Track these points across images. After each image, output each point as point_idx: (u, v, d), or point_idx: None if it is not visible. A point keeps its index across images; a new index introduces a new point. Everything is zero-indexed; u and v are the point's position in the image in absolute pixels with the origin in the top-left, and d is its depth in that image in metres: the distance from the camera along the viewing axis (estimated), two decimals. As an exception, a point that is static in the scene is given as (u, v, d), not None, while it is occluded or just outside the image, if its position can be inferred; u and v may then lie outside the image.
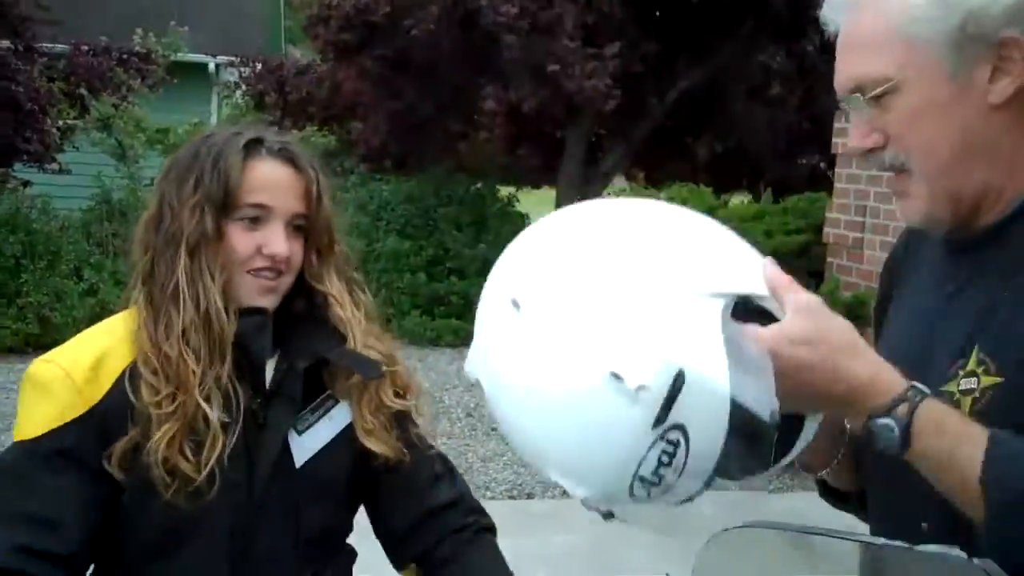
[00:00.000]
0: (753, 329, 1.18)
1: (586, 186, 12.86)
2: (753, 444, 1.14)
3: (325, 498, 1.77)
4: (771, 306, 1.23)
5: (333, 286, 1.79)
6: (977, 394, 1.32)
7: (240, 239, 1.68)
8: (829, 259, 6.92)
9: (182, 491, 1.60)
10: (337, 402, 1.78)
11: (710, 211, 6.96)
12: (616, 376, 1.09)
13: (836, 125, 6.88)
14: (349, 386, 1.77)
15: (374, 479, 1.82)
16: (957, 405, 1.32)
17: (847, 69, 1.37)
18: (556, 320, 1.14)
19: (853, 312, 6.45)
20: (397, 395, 1.83)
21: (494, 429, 7.77)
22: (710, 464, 1.13)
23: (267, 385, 1.73)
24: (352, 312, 1.79)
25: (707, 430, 1.12)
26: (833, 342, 1.21)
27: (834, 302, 6.52)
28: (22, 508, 1.60)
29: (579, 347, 1.12)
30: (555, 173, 13.14)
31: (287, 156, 1.72)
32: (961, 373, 1.34)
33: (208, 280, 1.66)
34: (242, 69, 15.30)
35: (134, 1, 17.76)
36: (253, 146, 1.71)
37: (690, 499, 1.17)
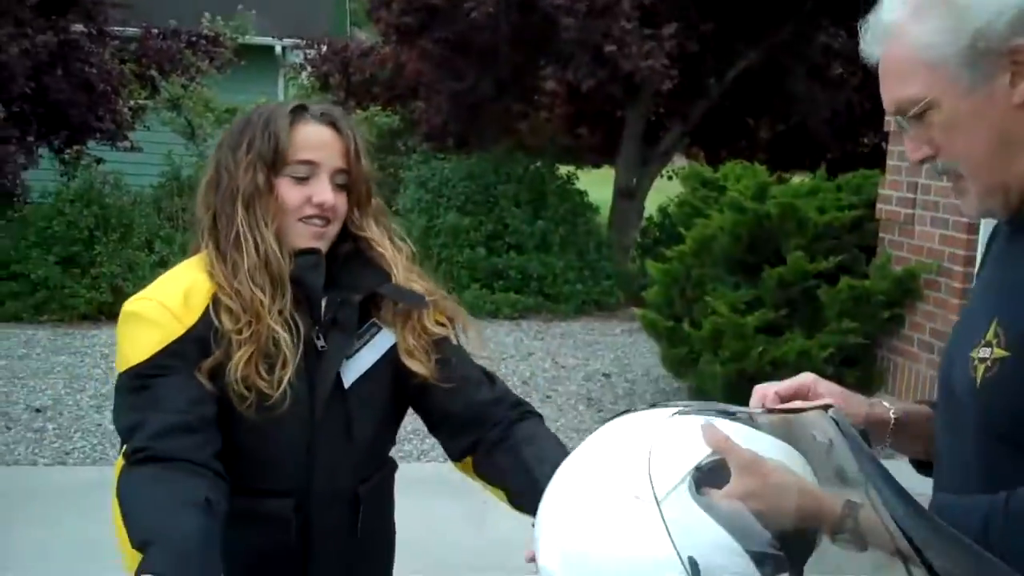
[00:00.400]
0: (716, 495, 1.39)
1: (644, 166, 12.98)
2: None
3: (371, 413, 2.00)
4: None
5: (373, 232, 2.03)
6: (989, 363, 1.47)
7: (290, 192, 1.92)
8: (881, 234, 7.00)
9: (255, 405, 1.84)
10: (380, 329, 2.01)
11: (763, 188, 7.03)
12: None
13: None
14: (395, 314, 2.00)
15: (419, 392, 2.04)
16: (974, 371, 1.48)
17: (887, 94, 1.54)
18: None
19: (904, 286, 6.54)
20: (440, 324, 2.06)
21: (548, 396, 7.98)
22: None
23: (323, 317, 1.95)
24: (393, 253, 2.03)
25: (743, 571, 1.35)
26: (771, 492, 1.40)
27: (885, 276, 6.62)
28: (147, 400, 1.80)
29: None
30: (614, 153, 13.25)
31: (329, 120, 1.97)
32: (982, 342, 1.49)
33: (263, 228, 1.90)
34: (308, 51, 15.58)
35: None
36: (298, 111, 1.96)
37: None
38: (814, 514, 1.41)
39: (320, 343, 1.93)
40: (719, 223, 7.13)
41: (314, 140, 1.93)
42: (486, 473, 2.05)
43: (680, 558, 1.32)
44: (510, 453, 1.98)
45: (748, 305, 6.91)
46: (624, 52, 9.72)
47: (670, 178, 13.80)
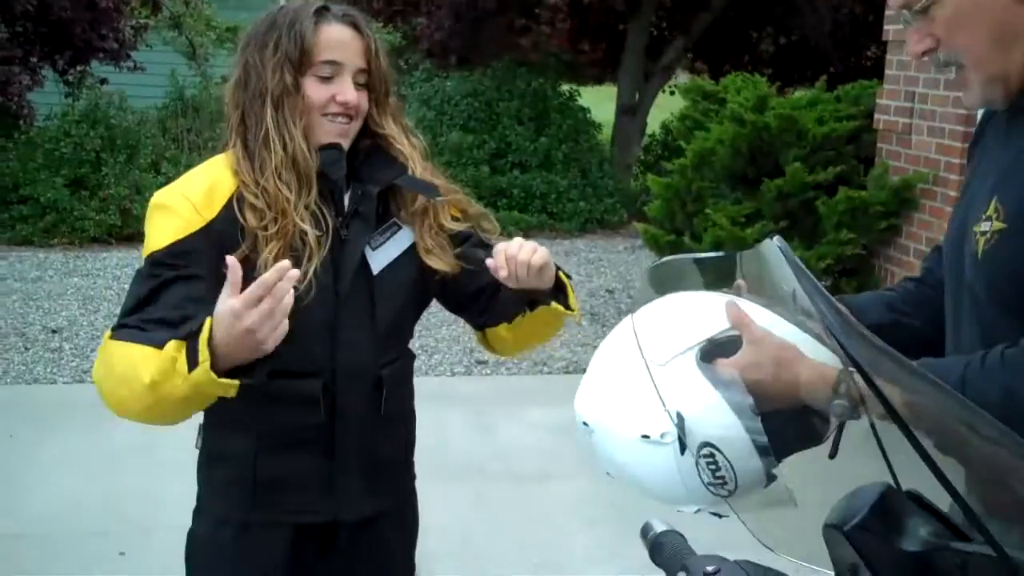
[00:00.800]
0: (720, 362, 1.53)
1: (646, 82, 12.97)
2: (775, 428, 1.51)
3: (395, 298, 2.14)
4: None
5: (392, 129, 2.15)
6: (988, 235, 1.60)
7: (316, 90, 2.03)
8: (879, 144, 7.04)
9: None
10: (401, 227, 2.15)
11: (762, 99, 7.07)
12: (645, 436, 1.51)
13: (887, 12, 6.96)
14: (412, 213, 2.14)
15: (441, 285, 2.21)
16: (976, 243, 1.62)
17: None
18: (609, 427, 1.57)
19: (900, 196, 6.62)
20: (455, 219, 2.20)
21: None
22: (751, 451, 1.49)
23: (345, 208, 2.09)
24: (410, 150, 2.15)
25: (726, 433, 1.49)
26: (773, 364, 1.53)
27: (882, 186, 6.69)
28: (152, 297, 1.94)
29: (623, 432, 1.55)
30: (616, 68, 13.23)
31: (350, 20, 2.07)
32: (983, 217, 1.62)
33: (292, 127, 2.02)
34: (307, -33, 15.44)
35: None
36: (322, 12, 2.05)
37: (773, 476, 1.52)
38: (813, 382, 1.52)
39: (344, 232, 2.07)
40: (719, 135, 7.19)
41: (337, 40, 2.03)
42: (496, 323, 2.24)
43: (667, 411, 1.48)
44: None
45: (747, 218, 6.99)
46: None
47: (672, 93, 13.79)
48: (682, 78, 14.90)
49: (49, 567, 4.08)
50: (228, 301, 1.75)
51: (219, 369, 1.78)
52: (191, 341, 1.78)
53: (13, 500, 4.65)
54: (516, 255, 1.98)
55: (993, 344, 1.58)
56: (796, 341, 1.56)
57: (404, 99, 12.65)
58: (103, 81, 11.87)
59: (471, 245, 2.22)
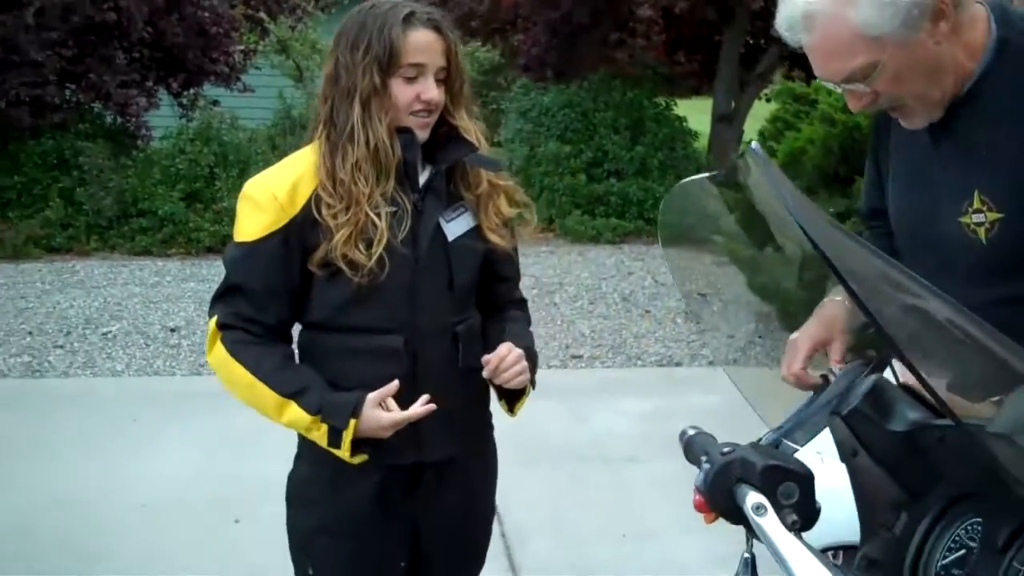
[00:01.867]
0: None
1: (742, 90, 13.06)
2: None
3: (468, 264, 2.38)
4: None
5: (464, 121, 2.38)
6: (988, 225, 1.88)
7: (402, 91, 2.25)
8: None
9: (359, 274, 2.22)
10: (467, 209, 2.39)
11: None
12: None
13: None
14: (477, 196, 2.38)
15: (491, 273, 2.46)
16: (975, 233, 1.90)
17: (831, 69, 1.84)
18: None
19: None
20: (512, 207, 2.45)
21: (647, 311, 8.32)
22: None
23: (420, 185, 2.34)
24: (478, 136, 2.39)
25: None
26: None
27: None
28: (242, 285, 2.28)
29: None
30: (712, 80, 13.34)
31: (434, 24, 2.28)
32: (971, 210, 1.89)
33: (377, 124, 2.24)
34: (408, -11, 15.84)
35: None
36: (409, 18, 2.26)
37: None
38: None
39: (420, 205, 2.31)
40: (809, 135, 7.31)
41: (423, 44, 2.24)
42: None
43: None
44: (495, 324, 2.46)
45: (839, 216, 7.08)
46: (716, -27, 9.84)
47: (768, 100, 13.82)
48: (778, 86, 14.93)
49: (172, 532, 4.44)
50: (381, 419, 2.22)
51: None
52: (332, 430, 2.23)
53: (138, 474, 5.04)
54: (505, 369, 2.27)
55: (994, 287, 1.87)
56: None
57: (502, 113, 12.97)
58: (215, 103, 12.43)
59: (512, 281, 2.54)
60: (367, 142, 2.23)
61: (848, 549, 1.73)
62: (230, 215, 8.92)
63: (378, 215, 2.23)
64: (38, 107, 10.54)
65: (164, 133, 11.58)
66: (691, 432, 1.71)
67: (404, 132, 2.28)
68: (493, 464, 2.59)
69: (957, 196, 1.92)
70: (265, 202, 2.25)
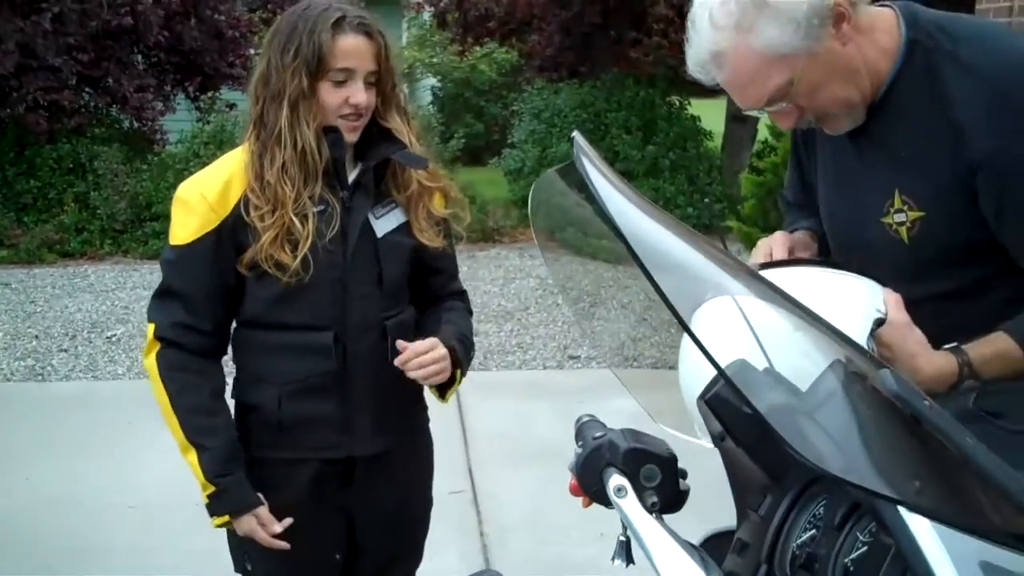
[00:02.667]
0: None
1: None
2: None
3: (397, 259, 2.41)
4: None
5: (396, 122, 2.40)
6: (909, 224, 1.92)
7: (330, 95, 2.27)
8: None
9: (286, 274, 2.26)
10: (397, 206, 2.41)
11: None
12: None
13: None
14: (408, 196, 2.41)
15: (423, 266, 2.49)
16: (897, 233, 1.94)
17: (751, 97, 1.88)
18: None
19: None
20: (444, 208, 2.49)
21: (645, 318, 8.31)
22: None
23: (349, 182, 2.36)
24: (409, 137, 2.41)
25: None
26: (900, 349, 1.78)
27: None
28: (178, 290, 2.32)
29: None
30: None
31: (365, 28, 2.29)
32: (892, 210, 1.93)
33: (304, 128, 2.26)
34: (426, -10, 15.94)
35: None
36: (339, 23, 2.26)
37: None
38: (935, 373, 1.80)
39: (348, 202, 2.33)
40: (809, 133, 7.27)
41: (352, 49, 2.26)
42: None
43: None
44: (432, 314, 2.53)
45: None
46: (725, -28, 9.79)
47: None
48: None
49: (162, 533, 4.50)
50: (256, 532, 2.35)
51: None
52: (210, 506, 2.35)
53: (131, 476, 5.11)
54: (419, 362, 2.29)
55: (921, 277, 1.92)
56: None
57: (516, 114, 12.97)
58: (231, 106, 12.52)
59: (448, 274, 2.58)
60: (294, 144, 2.25)
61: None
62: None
63: (304, 217, 2.26)
64: (55, 112, 10.68)
65: (180, 137, 11.67)
66: (585, 418, 1.73)
67: (332, 131, 2.30)
68: (428, 457, 2.62)
69: (879, 198, 1.95)
70: (196, 204, 2.28)
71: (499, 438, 5.57)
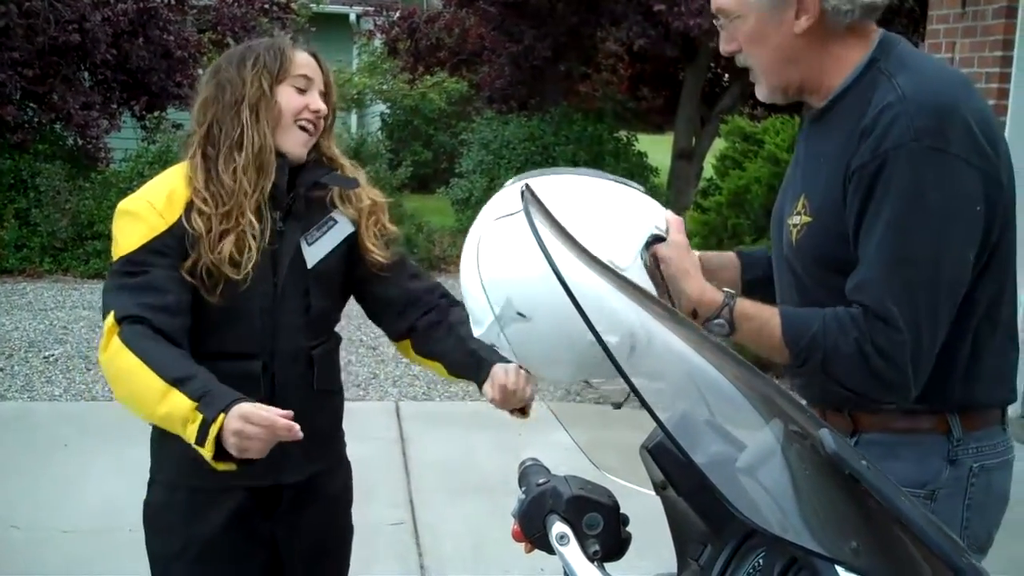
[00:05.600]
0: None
1: (703, 127, 13.18)
2: None
3: (326, 288, 2.43)
4: None
5: (334, 152, 2.48)
6: (799, 227, 2.01)
7: (292, 99, 2.33)
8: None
9: (222, 290, 2.25)
10: (337, 222, 2.43)
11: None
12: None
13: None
14: (359, 209, 2.44)
15: (361, 282, 2.49)
16: (790, 233, 2.03)
17: (714, 1, 2.05)
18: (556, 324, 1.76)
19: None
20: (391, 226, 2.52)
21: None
22: None
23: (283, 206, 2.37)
24: (345, 164, 2.47)
25: None
26: (675, 266, 1.92)
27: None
28: (138, 283, 2.22)
29: (572, 332, 1.62)
30: (675, 117, 13.47)
31: (313, 53, 2.41)
32: (794, 212, 2.03)
33: (266, 128, 2.30)
34: (376, 19, 15.96)
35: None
36: (292, 41, 2.39)
37: None
38: (698, 296, 1.93)
39: (280, 226, 2.35)
40: (754, 174, 7.38)
41: (308, 62, 2.36)
42: (425, 350, 2.48)
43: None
44: (447, 331, 2.42)
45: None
46: (674, 10, 9.96)
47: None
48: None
49: (95, 559, 4.43)
50: (255, 412, 1.98)
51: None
52: (202, 424, 2.00)
53: (65, 499, 5.02)
54: (510, 388, 2.20)
55: (804, 289, 2.04)
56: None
57: (465, 144, 13.03)
58: (178, 126, 12.44)
59: (407, 275, 2.52)
60: (253, 145, 2.28)
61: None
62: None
63: (255, 223, 2.27)
64: (-2, 126, 10.54)
65: (125, 156, 11.56)
66: (528, 463, 1.74)
67: (278, 156, 2.33)
68: (348, 482, 2.64)
69: (792, 200, 2.05)
70: (143, 211, 2.27)
71: (441, 470, 5.56)
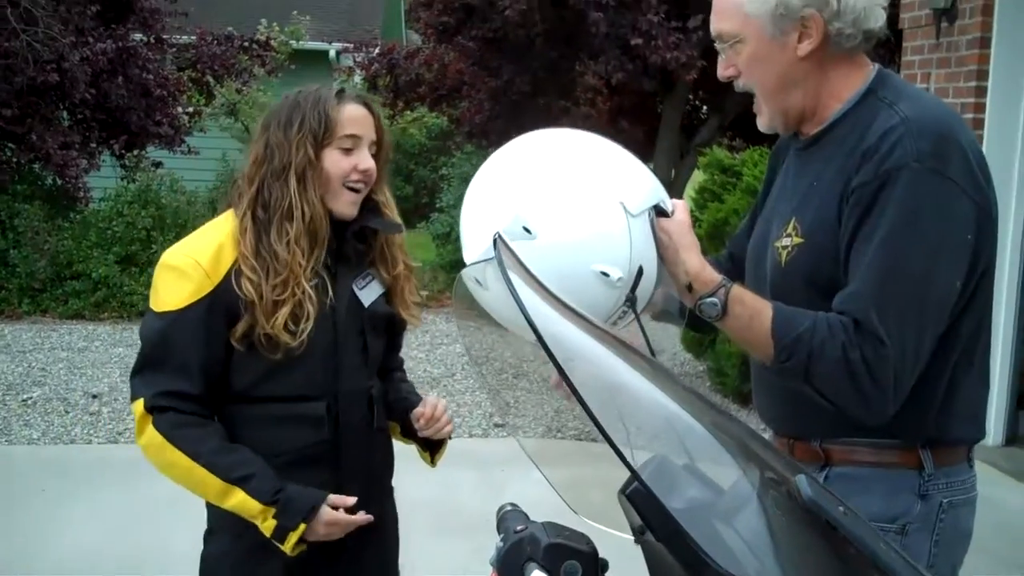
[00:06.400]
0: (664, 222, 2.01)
1: (682, 158, 13.24)
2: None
3: (379, 329, 2.48)
4: None
5: (384, 195, 2.50)
6: (789, 248, 2.01)
7: (339, 162, 2.32)
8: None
9: (279, 351, 2.26)
10: (374, 278, 2.47)
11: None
12: (604, 274, 1.89)
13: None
14: (395, 275, 2.49)
15: (391, 339, 2.59)
16: (779, 256, 2.02)
17: (713, 25, 2.07)
18: (564, 246, 1.91)
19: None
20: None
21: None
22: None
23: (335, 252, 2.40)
24: (393, 208, 2.51)
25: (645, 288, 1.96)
26: (678, 239, 1.99)
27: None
28: (166, 357, 2.25)
29: (580, 259, 1.88)
30: (654, 148, 13.52)
31: (363, 101, 2.38)
32: (783, 234, 2.03)
33: (313, 196, 2.30)
34: (356, 55, 16.01)
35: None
36: (341, 94, 2.35)
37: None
38: (697, 271, 1.98)
39: (334, 269, 2.37)
40: (733, 206, 7.40)
41: (357, 117, 2.33)
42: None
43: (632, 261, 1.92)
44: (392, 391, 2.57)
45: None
46: (651, 44, 10.02)
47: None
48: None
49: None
50: (338, 519, 2.28)
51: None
52: (279, 528, 2.22)
53: (43, 544, 4.94)
54: (437, 421, 2.44)
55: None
56: None
57: (445, 179, 13.04)
58: (158, 164, 12.42)
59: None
60: (303, 215, 2.28)
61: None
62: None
63: (313, 288, 2.29)
64: (-25, 168, 10.49)
65: (104, 195, 11.52)
66: (508, 508, 1.73)
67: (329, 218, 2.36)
68: (396, 524, 2.66)
69: (782, 221, 2.05)
70: (189, 269, 2.25)
71: (423, 507, 5.51)
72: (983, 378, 2.04)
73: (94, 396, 7.61)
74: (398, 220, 2.50)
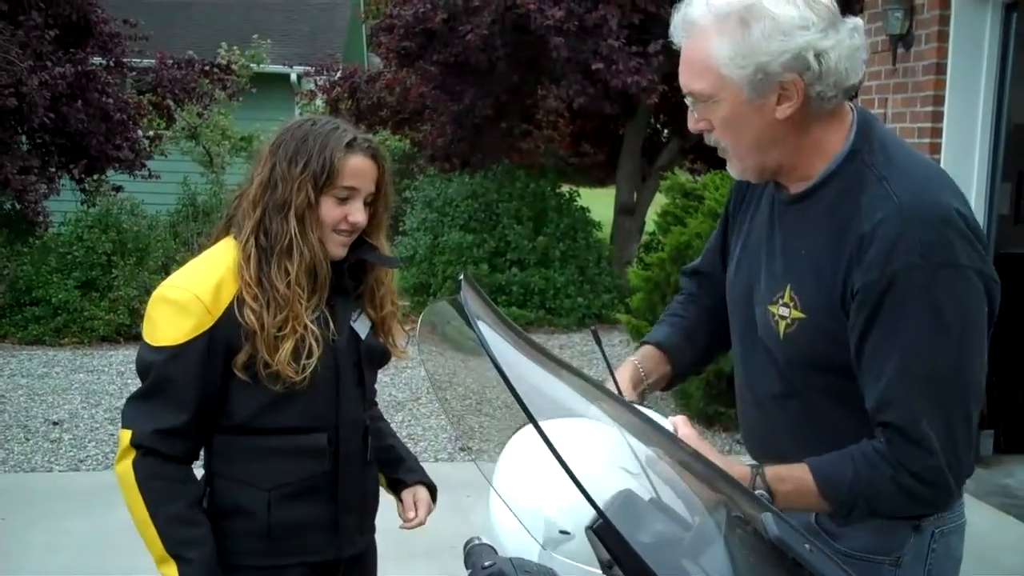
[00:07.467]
0: None
1: (644, 181, 13.33)
2: None
3: (373, 359, 2.52)
4: None
5: (381, 242, 2.49)
6: (789, 321, 1.98)
7: (332, 210, 2.33)
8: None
9: (282, 385, 2.27)
10: (362, 311, 2.48)
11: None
12: None
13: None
14: (383, 316, 2.50)
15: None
16: (776, 324, 1.99)
17: (684, 80, 1.97)
18: None
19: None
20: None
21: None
22: None
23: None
24: (385, 246, 2.50)
25: None
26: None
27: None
28: (164, 390, 2.25)
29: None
30: (616, 171, 13.60)
31: (372, 151, 2.37)
32: (780, 301, 1.99)
33: (312, 238, 2.31)
34: (317, 78, 15.99)
35: (222, 16, 18.74)
36: (352, 143, 2.33)
37: None
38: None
39: (333, 303, 2.39)
40: (695, 229, 7.47)
41: (360, 170, 2.33)
42: None
43: None
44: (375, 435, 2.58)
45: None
46: (612, 69, 10.09)
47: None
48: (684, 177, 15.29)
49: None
50: None
51: None
52: None
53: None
54: (420, 518, 2.58)
55: (791, 388, 2.01)
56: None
57: (408, 202, 13.06)
58: (118, 189, 12.33)
59: None
60: (302, 255, 2.29)
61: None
62: (126, 304, 8.88)
63: (315, 322, 2.30)
64: (-68, 193, 10.37)
65: (64, 220, 11.42)
66: (475, 543, 1.74)
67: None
68: (376, 555, 2.67)
69: (772, 285, 2.02)
70: (189, 304, 2.24)
71: (388, 532, 5.50)
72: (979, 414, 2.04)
73: (55, 423, 7.54)
74: (389, 251, 2.54)
